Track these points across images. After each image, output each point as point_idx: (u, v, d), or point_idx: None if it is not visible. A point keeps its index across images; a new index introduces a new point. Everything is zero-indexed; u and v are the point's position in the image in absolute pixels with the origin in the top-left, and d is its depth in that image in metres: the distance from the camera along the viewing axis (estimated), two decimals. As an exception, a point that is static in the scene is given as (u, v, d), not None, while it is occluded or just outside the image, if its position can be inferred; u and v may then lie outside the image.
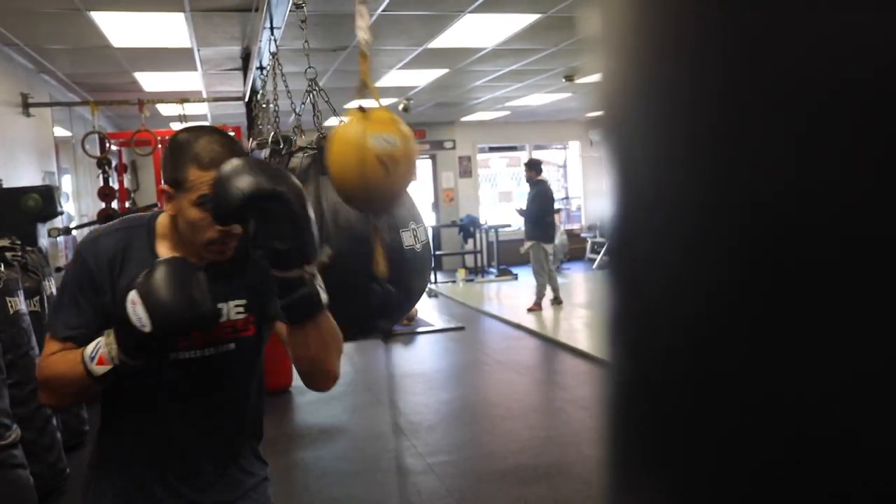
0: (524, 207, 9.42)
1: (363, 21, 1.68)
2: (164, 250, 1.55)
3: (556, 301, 9.29)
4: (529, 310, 9.12)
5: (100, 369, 1.40)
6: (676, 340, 0.36)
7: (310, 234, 1.39)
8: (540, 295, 9.12)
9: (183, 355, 1.54)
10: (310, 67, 2.18)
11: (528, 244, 9.22)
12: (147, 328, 1.34)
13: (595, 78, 0.42)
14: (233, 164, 1.37)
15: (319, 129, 2.08)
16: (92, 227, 1.52)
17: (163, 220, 1.58)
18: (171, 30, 5.62)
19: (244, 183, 1.34)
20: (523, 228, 9.55)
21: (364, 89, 1.70)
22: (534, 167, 9.30)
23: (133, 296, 1.35)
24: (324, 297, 1.44)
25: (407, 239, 1.97)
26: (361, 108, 1.65)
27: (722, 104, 0.32)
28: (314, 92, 2.11)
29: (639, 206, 0.39)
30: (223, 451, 1.62)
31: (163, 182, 1.52)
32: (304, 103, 2.27)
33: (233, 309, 1.59)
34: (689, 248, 0.35)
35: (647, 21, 0.37)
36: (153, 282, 1.36)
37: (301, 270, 1.39)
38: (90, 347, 1.41)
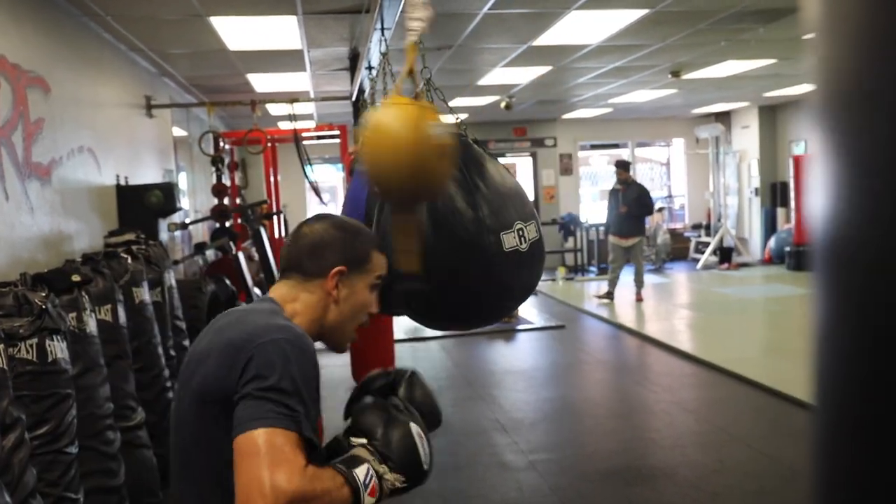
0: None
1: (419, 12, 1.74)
2: None
3: (607, 295, 9.91)
4: (598, 297, 10.06)
5: (369, 500, 1.29)
6: None
7: None
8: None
9: None
10: (425, 67, 2.23)
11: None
12: (426, 466, 1.36)
13: (811, 65, 0.40)
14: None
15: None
16: (282, 321, 1.42)
17: (293, 309, 1.51)
18: (283, 33, 5.82)
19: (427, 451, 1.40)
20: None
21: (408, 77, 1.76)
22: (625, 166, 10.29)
23: (418, 430, 1.35)
24: None
25: (509, 241, 1.96)
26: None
27: None
28: (430, 91, 2.15)
29: (876, 202, 0.35)
30: None
31: (334, 264, 1.52)
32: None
33: None
34: None
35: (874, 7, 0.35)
36: (435, 417, 1.42)
37: None
38: (361, 474, 1.29)
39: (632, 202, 9.45)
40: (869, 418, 0.34)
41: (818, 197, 0.38)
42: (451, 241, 1.79)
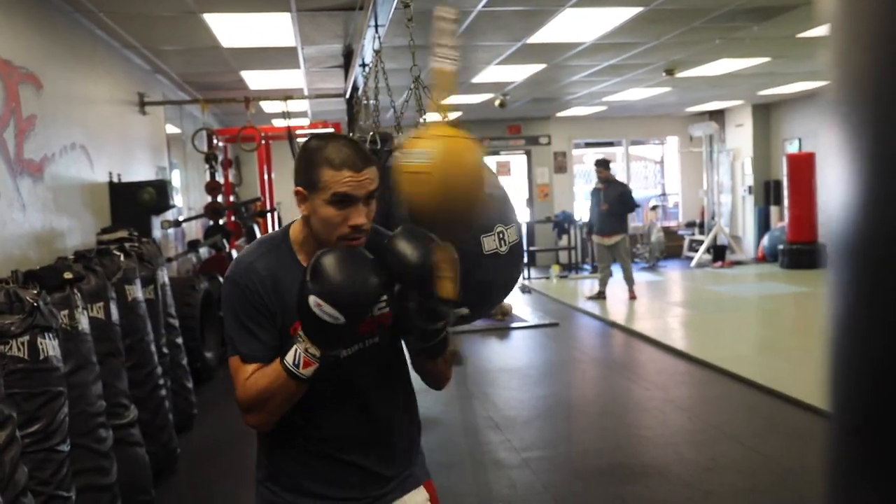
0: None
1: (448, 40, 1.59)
2: (303, 257, 1.65)
3: (598, 295, 9.87)
4: (589, 298, 10.01)
5: (308, 371, 1.52)
6: None
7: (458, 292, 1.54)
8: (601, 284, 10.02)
9: (341, 353, 1.63)
10: (415, 65, 2.22)
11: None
12: (342, 320, 1.46)
13: (826, 60, 0.39)
14: (411, 228, 1.54)
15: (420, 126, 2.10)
16: (240, 254, 1.77)
17: (295, 228, 1.69)
18: (277, 30, 5.80)
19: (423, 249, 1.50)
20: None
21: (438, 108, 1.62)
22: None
23: (314, 300, 1.45)
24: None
25: (489, 244, 1.95)
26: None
27: None
28: (419, 89, 2.14)
29: (891, 198, 0.34)
30: (386, 438, 1.73)
31: (295, 185, 1.62)
32: (407, 101, 2.31)
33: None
34: None
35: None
36: (325, 279, 1.46)
37: (445, 321, 1.56)
38: (289, 357, 1.52)
39: (613, 200, 9.53)
40: (882, 416, 0.34)
41: (832, 193, 0.38)
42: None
